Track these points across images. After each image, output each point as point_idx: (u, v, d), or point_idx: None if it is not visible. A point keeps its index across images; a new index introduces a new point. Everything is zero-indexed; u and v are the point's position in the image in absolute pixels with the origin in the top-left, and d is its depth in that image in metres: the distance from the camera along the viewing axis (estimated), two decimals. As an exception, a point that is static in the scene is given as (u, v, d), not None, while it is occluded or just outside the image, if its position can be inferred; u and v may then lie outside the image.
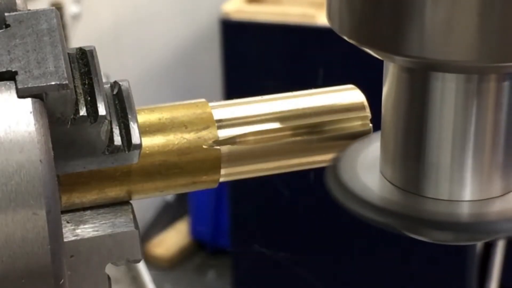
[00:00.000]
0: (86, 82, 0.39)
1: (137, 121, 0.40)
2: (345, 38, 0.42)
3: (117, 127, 0.40)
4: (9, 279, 0.34)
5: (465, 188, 0.43)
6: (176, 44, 2.91)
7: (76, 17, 1.96)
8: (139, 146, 0.40)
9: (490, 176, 0.44)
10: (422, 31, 0.38)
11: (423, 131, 0.43)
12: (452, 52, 0.38)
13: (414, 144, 0.44)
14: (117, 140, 0.40)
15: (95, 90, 0.38)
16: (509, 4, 0.37)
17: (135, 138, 0.40)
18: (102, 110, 0.38)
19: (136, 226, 0.43)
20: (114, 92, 0.41)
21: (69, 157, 0.39)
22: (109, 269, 0.42)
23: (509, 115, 0.43)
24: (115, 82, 0.42)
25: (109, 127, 0.39)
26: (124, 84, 0.41)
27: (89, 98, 0.38)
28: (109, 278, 0.42)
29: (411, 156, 0.44)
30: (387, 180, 0.46)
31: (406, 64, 0.42)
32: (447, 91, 0.42)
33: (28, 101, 0.35)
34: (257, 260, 2.11)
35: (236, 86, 1.95)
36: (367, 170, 0.47)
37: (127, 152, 0.40)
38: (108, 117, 0.39)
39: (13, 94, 0.35)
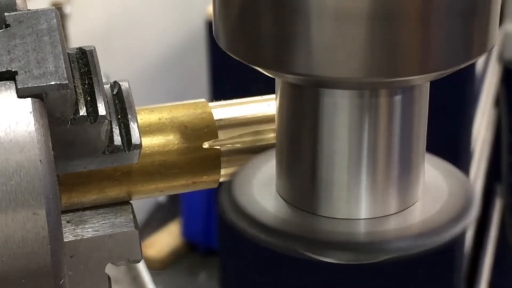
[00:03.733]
0: (86, 82, 0.39)
1: (137, 121, 0.40)
2: (233, 56, 0.41)
3: (117, 127, 0.40)
4: (9, 279, 0.34)
5: (361, 206, 0.42)
6: (165, 45, 2.91)
7: (66, 17, 1.96)
8: (139, 146, 0.40)
9: (385, 193, 0.42)
10: (309, 49, 0.37)
11: (316, 148, 0.42)
12: (340, 69, 0.38)
13: (308, 161, 0.42)
14: (117, 140, 0.40)
15: (95, 90, 0.38)
16: (395, 21, 0.37)
17: (135, 138, 0.40)
18: (102, 110, 0.38)
19: (136, 226, 0.43)
20: (114, 92, 0.41)
21: (69, 157, 0.39)
22: (109, 269, 0.42)
23: (401, 130, 0.42)
24: (115, 82, 0.42)
25: (109, 127, 0.39)
26: (124, 84, 0.41)
27: (89, 98, 0.38)
28: (109, 278, 0.42)
29: (306, 174, 0.43)
30: (283, 199, 0.44)
31: (295, 81, 0.41)
32: (338, 107, 0.41)
33: (28, 101, 0.35)
34: (245, 261, 2.11)
35: (223, 87, 1.94)
36: (263, 188, 0.45)
37: (127, 152, 0.40)
38: (108, 117, 0.39)
39: (13, 94, 0.35)
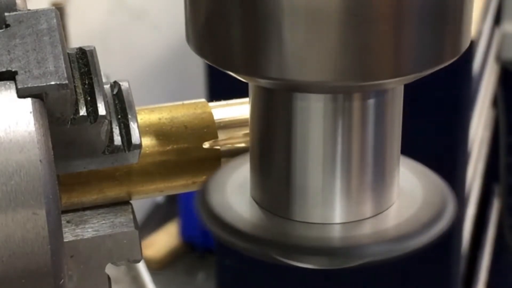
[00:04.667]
0: (86, 82, 0.39)
1: (137, 121, 0.40)
2: (203, 59, 0.41)
3: (117, 127, 0.40)
4: (9, 279, 0.34)
5: (335, 211, 0.42)
6: (163, 45, 2.90)
7: (64, 17, 1.96)
8: (139, 146, 0.40)
9: (360, 197, 0.42)
10: (281, 53, 0.37)
11: (290, 152, 0.41)
12: (314, 73, 0.37)
13: (282, 166, 0.42)
14: (117, 140, 0.40)
15: (95, 90, 0.38)
16: (369, 24, 0.36)
17: (135, 138, 0.40)
18: (102, 110, 0.38)
19: (136, 226, 0.43)
20: (114, 92, 0.41)
21: (69, 157, 0.39)
22: (109, 269, 0.42)
23: (376, 133, 0.41)
24: (115, 82, 0.42)
25: (109, 127, 0.39)
26: (124, 84, 0.41)
27: (89, 98, 0.38)
28: (109, 278, 0.42)
29: (280, 179, 0.42)
30: (257, 204, 0.44)
31: (268, 85, 0.40)
32: (312, 111, 0.40)
33: (28, 101, 0.35)
34: (242, 260, 2.11)
35: (221, 87, 1.94)
36: (237, 193, 0.45)
37: (127, 152, 0.40)
38: (108, 117, 0.39)
39: (13, 94, 0.35)
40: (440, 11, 0.38)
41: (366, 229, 0.42)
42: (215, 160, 0.46)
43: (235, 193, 0.45)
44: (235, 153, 0.47)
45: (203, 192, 0.44)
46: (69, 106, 0.37)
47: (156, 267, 2.60)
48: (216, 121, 0.47)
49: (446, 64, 0.39)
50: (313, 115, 0.40)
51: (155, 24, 2.83)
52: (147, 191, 0.45)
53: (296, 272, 2.02)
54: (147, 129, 0.45)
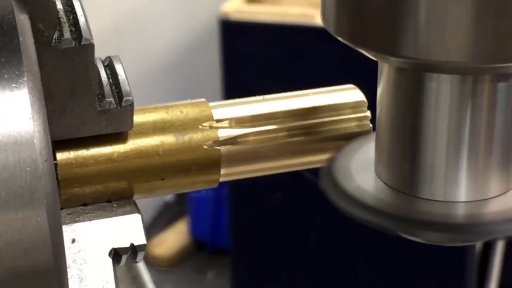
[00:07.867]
0: (70, 16, 0.40)
1: (128, 85, 0.42)
2: (339, 39, 0.42)
3: (108, 85, 0.41)
4: (10, 278, 0.34)
5: (460, 189, 0.43)
6: (175, 44, 2.90)
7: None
8: (130, 100, 0.41)
9: (485, 177, 0.43)
10: (416, 32, 0.38)
11: (417, 132, 0.43)
12: (447, 53, 0.38)
13: (409, 145, 0.43)
14: (108, 94, 0.41)
15: (78, 18, 0.40)
16: (504, 5, 0.37)
17: (126, 92, 0.41)
18: (86, 34, 0.40)
19: (138, 212, 0.43)
20: (106, 64, 0.43)
21: (64, 108, 0.40)
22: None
23: (503, 115, 0.42)
24: (106, 57, 0.43)
25: (99, 78, 0.41)
26: (113, 56, 0.43)
27: (73, 29, 0.40)
28: (113, 263, 0.41)
29: (406, 157, 0.44)
30: (382, 181, 0.45)
31: (400, 65, 0.42)
32: (441, 92, 0.42)
33: (27, 100, 0.35)
34: (257, 260, 2.11)
35: (236, 86, 1.94)
36: (362, 171, 0.46)
37: (119, 108, 0.40)
38: (92, 40, 0.40)
39: (13, 93, 0.35)
40: None
41: (491, 208, 0.43)
42: (215, 160, 0.46)
43: (360, 170, 0.46)
44: (235, 153, 0.47)
45: (328, 168, 0.46)
46: (51, 18, 0.38)
47: (165, 266, 2.60)
48: (216, 121, 0.47)
49: None
50: (442, 95, 0.42)
51: (167, 24, 2.82)
52: (147, 191, 0.45)
53: (310, 272, 2.01)
54: (147, 129, 0.45)
